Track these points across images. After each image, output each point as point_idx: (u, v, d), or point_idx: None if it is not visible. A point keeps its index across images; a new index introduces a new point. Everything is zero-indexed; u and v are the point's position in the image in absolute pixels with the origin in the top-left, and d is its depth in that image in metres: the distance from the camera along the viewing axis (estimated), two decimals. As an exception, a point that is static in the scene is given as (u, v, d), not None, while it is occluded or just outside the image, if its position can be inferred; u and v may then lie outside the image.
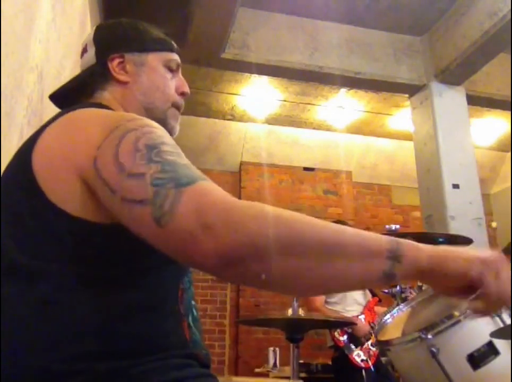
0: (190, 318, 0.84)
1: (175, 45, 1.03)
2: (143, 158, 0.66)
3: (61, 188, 0.72)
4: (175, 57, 1.02)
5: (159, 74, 0.98)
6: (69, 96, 0.97)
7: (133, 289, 0.73)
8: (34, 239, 0.72)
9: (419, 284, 1.72)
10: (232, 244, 0.58)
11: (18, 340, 0.67)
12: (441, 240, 2.18)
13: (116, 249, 0.73)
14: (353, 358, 2.93)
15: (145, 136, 0.70)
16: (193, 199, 0.61)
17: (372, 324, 2.99)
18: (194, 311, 0.86)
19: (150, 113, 0.95)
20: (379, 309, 3.15)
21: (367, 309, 3.15)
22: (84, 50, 1.01)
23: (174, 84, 1.00)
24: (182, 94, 1.01)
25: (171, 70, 1.00)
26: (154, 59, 0.98)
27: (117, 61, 0.96)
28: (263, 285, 0.62)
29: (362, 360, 2.93)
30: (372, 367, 2.90)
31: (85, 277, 0.71)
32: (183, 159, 0.69)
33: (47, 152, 0.75)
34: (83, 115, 0.80)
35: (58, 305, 0.69)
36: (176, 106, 1.00)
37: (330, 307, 3.15)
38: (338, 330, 3.00)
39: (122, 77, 0.96)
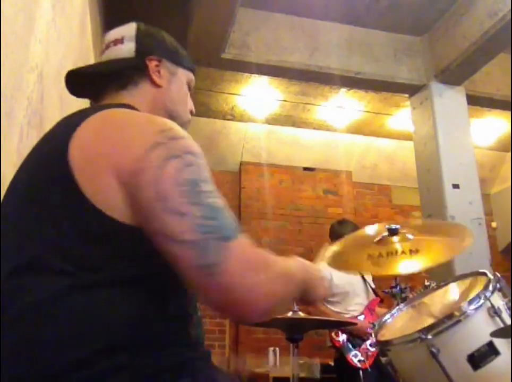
0: (195, 318, 0.85)
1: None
2: (184, 195, 0.71)
3: (97, 186, 0.73)
4: (193, 78, 1.11)
5: (183, 89, 1.07)
6: (95, 80, 0.99)
7: (148, 290, 0.75)
8: (67, 237, 0.72)
9: (427, 283, 1.71)
10: (268, 307, 0.73)
11: (31, 340, 0.69)
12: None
13: (141, 252, 0.74)
14: (351, 359, 2.92)
15: (187, 169, 0.73)
16: (237, 256, 0.70)
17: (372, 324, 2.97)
18: (198, 312, 0.88)
19: (173, 121, 0.96)
20: (380, 310, 3.13)
21: (368, 308, 3.14)
22: (119, 41, 1.02)
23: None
24: (190, 112, 1.11)
25: (189, 88, 1.09)
26: (183, 75, 1.07)
27: (155, 62, 1.01)
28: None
29: (359, 361, 2.91)
30: (369, 368, 2.88)
31: (108, 277, 0.72)
32: (219, 201, 0.75)
33: (85, 147, 0.76)
34: (121, 116, 0.82)
35: (76, 304, 0.70)
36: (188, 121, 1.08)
37: (331, 306, 3.14)
38: (335, 330, 2.99)
39: (157, 79, 1.00)
